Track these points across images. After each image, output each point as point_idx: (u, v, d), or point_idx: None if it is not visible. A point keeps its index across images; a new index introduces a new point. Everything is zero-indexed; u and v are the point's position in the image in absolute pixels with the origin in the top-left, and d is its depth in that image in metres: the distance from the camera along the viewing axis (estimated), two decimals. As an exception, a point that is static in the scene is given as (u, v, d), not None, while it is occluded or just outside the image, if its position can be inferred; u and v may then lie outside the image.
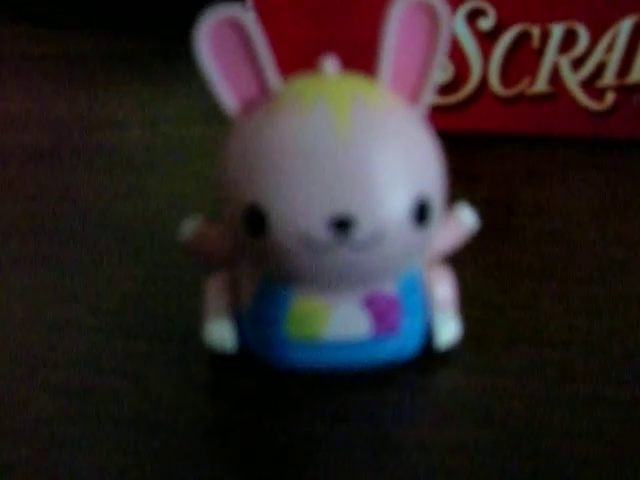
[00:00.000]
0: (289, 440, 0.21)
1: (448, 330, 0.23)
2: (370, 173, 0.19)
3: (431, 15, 0.21)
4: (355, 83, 0.21)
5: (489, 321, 0.23)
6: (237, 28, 0.20)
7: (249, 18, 0.20)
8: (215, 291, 0.23)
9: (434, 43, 0.21)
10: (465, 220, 0.24)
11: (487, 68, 0.33)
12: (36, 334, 0.24)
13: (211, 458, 0.20)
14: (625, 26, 0.32)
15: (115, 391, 0.22)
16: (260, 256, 0.20)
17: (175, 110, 0.37)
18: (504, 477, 0.19)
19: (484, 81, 0.33)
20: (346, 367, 0.22)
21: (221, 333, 0.23)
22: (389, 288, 0.21)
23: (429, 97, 0.21)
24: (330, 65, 0.21)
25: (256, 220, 0.20)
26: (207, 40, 0.20)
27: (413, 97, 0.21)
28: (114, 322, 0.24)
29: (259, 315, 0.22)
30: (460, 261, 0.23)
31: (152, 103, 0.38)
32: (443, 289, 0.23)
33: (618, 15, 0.32)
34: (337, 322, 0.21)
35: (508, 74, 0.33)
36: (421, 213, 0.20)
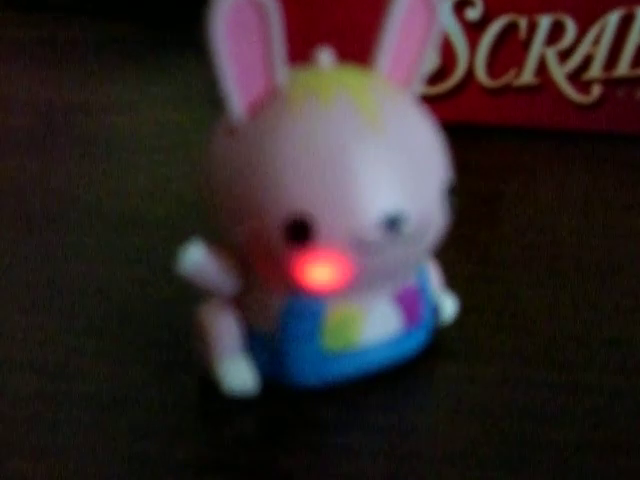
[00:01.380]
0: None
1: (450, 305, 0.23)
2: (409, 166, 0.19)
3: (428, 6, 0.20)
4: (362, 75, 0.20)
5: (472, 309, 0.23)
6: (257, 10, 0.18)
7: (270, 2, 0.18)
8: (219, 326, 0.21)
9: (428, 34, 0.21)
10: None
11: (473, 59, 0.33)
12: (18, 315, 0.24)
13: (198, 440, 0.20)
14: (612, 19, 0.33)
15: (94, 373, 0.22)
16: (301, 268, 0.19)
17: (161, 95, 0.37)
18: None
19: (470, 72, 0.33)
20: (379, 367, 0.21)
21: (241, 377, 0.20)
22: (412, 280, 0.21)
23: (418, 85, 0.21)
24: (326, 57, 0.20)
25: (301, 229, 0.18)
26: (225, 19, 0.18)
27: (404, 86, 0.21)
28: (92, 309, 0.24)
29: (289, 334, 0.20)
30: (445, 250, 0.22)
31: (138, 88, 0.37)
32: (437, 272, 0.23)
33: (606, 8, 0.32)
34: (373, 324, 0.21)
35: (495, 65, 0.33)
36: (450, 199, 0.20)
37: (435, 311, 0.23)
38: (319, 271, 0.19)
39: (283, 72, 0.19)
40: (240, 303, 0.21)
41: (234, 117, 0.19)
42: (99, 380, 0.22)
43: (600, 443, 0.20)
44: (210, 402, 0.21)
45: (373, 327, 0.21)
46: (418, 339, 0.22)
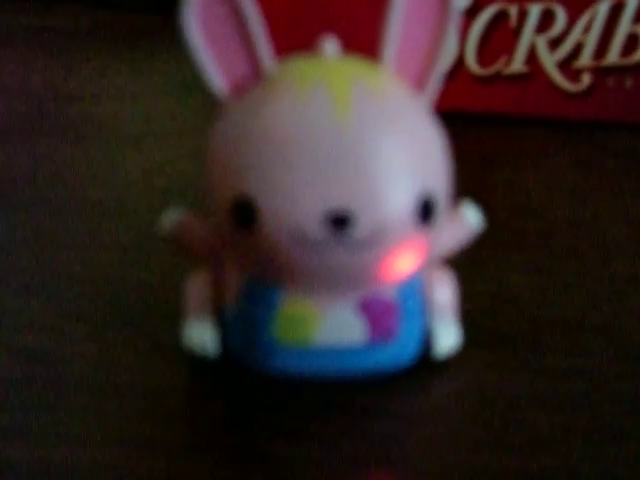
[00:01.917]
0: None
1: (448, 337, 0.21)
2: (371, 166, 0.18)
3: None
4: (357, 67, 0.19)
5: (464, 293, 0.23)
6: (229, 1, 0.19)
7: None
8: (196, 290, 0.21)
9: (442, 26, 0.20)
10: (470, 220, 0.22)
11: (464, 47, 0.33)
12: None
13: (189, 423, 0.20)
14: (603, 8, 0.33)
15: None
16: (248, 252, 0.19)
17: (150, 83, 0.37)
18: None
19: (461, 60, 0.33)
20: (338, 374, 0.21)
21: (202, 336, 0.21)
22: (387, 292, 0.20)
23: (436, 84, 0.20)
24: (330, 46, 0.20)
25: (245, 213, 0.18)
26: (196, 14, 0.19)
27: (419, 83, 0.20)
28: (86, 295, 0.24)
29: (245, 317, 0.20)
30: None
31: (129, 76, 0.37)
32: (444, 293, 0.21)
33: (596, -4, 0.33)
34: (329, 326, 0.20)
35: (485, 53, 0.33)
36: (425, 210, 0.18)
37: (426, 336, 0.21)
38: (263, 258, 0.19)
39: (268, 58, 0.19)
40: (218, 277, 0.21)
41: (219, 98, 0.19)
42: (89, 364, 0.22)
43: (588, 427, 0.20)
44: (199, 384, 0.21)
45: (330, 330, 0.20)
46: (388, 354, 0.21)
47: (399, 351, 0.21)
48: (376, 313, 0.20)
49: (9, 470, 0.19)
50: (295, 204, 0.18)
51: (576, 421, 0.20)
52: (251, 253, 0.19)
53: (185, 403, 0.21)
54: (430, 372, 0.21)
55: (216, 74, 0.19)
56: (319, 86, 0.19)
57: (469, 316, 0.22)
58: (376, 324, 0.20)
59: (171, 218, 0.21)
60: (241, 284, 0.20)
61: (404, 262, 0.19)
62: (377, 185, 0.18)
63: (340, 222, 0.18)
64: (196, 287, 0.21)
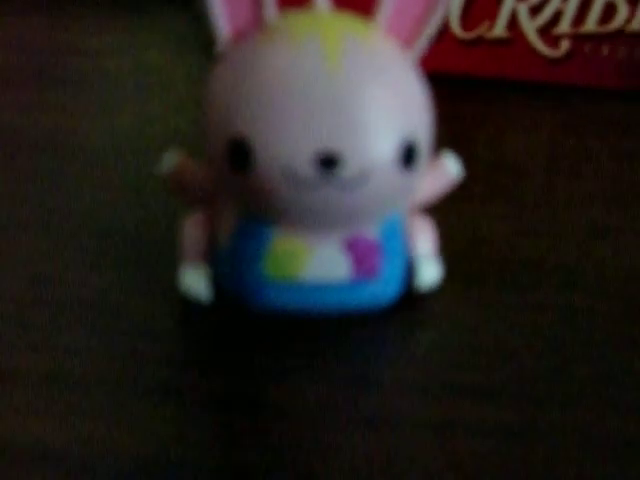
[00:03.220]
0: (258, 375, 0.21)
1: (429, 270, 0.23)
2: (358, 111, 0.19)
3: None
4: (349, 22, 0.20)
5: (441, 237, 0.25)
6: None
7: None
8: (191, 234, 0.22)
9: None
10: (450, 169, 0.23)
11: (448, 11, 0.34)
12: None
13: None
14: (582, -24, 0.34)
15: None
16: (242, 191, 0.20)
17: (147, 39, 0.37)
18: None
19: (445, 23, 0.34)
20: (325, 310, 0.22)
21: (196, 283, 0.22)
22: (370, 232, 0.21)
23: (424, 43, 0.21)
24: (322, 1, 0.21)
25: (239, 153, 0.19)
26: None
27: (408, 42, 0.21)
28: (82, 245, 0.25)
29: (237, 253, 0.21)
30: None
31: (126, 31, 0.38)
32: (424, 235, 0.23)
33: (576, -35, 0.34)
34: (317, 263, 0.21)
35: (468, 18, 0.34)
36: (408, 155, 0.20)
37: (409, 272, 0.23)
38: (256, 196, 0.20)
39: (271, 8, 0.20)
40: (211, 219, 0.22)
41: (220, 43, 0.20)
42: (94, 289, 0.23)
43: (554, 356, 0.21)
44: (189, 307, 0.23)
45: (317, 267, 0.21)
46: (371, 291, 0.22)
47: (382, 289, 0.22)
48: (360, 251, 0.21)
49: (20, 378, 0.20)
50: (287, 144, 0.19)
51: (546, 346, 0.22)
52: (245, 191, 0.20)
53: (176, 324, 0.22)
54: (409, 306, 0.23)
55: (221, 20, 0.20)
56: (313, 37, 0.20)
57: (446, 257, 0.24)
58: (360, 262, 0.21)
59: (169, 159, 0.22)
60: (234, 222, 0.21)
61: (388, 203, 0.21)
62: (364, 129, 0.19)
63: (329, 162, 0.19)
64: (191, 231, 0.22)
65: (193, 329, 0.22)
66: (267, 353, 0.21)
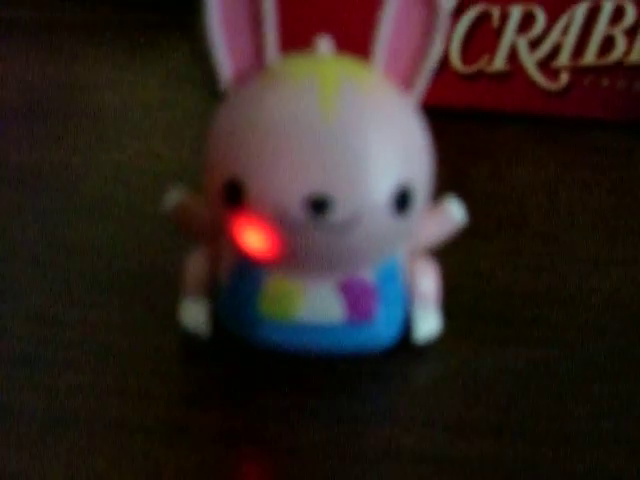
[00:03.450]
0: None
1: (427, 324, 0.23)
2: (350, 156, 0.19)
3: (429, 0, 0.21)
4: (348, 64, 0.21)
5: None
6: None
7: None
8: (193, 269, 0.22)
9: (430, 29, 0.21)
10: (454, 214, 0.23)
11: (449, 45, 0.35)
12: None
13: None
14: (580, 10, 0.34)
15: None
16: (237, 231, 0.20)
17: (146, 74, 0.38)
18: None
19: (445, 57, 0.35)
20: (319, 351, 0.22)
21: (196, 317, 0.22)
22: (366, 275, 0.21)
23: (423, 84, 0.21)
24: (324, 44, 0.21)
25: (234, 193, 0.19)
26: (217, 3, 0.20)
27: (407, 83, 0.21)
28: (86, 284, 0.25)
29: (234, 291, 0.22)
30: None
31: (129, 68, 0.39)
32: (426, 282, 0.22)
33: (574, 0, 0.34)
34: (310, 304, 0.21)
35: (468, 52, 0.35)
36: (402, 201, 0.20)
37: (407, 320, 0.22)
38: (250, 237, 0.20)
39: (274, 50, 0.21)
40: (214, 256, 0.22)
41: (222, 84, 0.21)
42: (95, 326, 0.23)
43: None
44: (191, 343, 0.23)
45: (311, 308, 0.21)
46: (366, 335, 0.22)
47: (377, 333, 0.22)
48: (354, 294, 0.21)
49: (22, 416, 0.20)
50: (279, 187, 0.19)
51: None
52: (239, 232, 0.20)
53: (176, 367, 0.22)
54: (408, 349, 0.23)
55: (225, 62, 0.21)
56: (310, 81, 0.20)
57: (446, 291, 0.24)
58: (353, 304, 0.21)
59: (172, 198, 0.22)
60: (233, 261, 0.21)
61: (381, 246, 0.21)
62: (355, 174, 0.19)
63: (319, 206, 0.19)
64: (193, 266, 0.22)
65: (195, 366, 0.22)
66: (268, 390, 0.22)
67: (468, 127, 0.35)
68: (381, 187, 0.19)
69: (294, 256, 0.20)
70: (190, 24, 0.42)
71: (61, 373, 0.22)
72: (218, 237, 0.22)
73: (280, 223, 0.19)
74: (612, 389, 0.22)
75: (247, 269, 0.21)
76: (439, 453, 0.20)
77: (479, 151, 0.34)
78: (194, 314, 0.22)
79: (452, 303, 0.23)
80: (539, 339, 0.23)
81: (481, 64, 0.35)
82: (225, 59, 0.21)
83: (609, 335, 0.23)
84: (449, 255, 0.24)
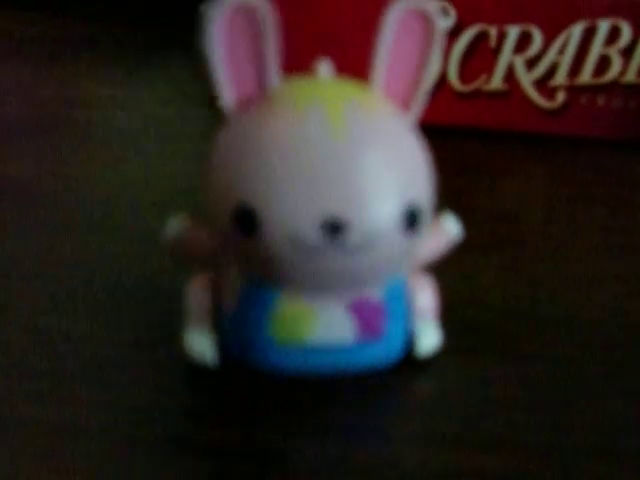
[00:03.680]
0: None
1: (429, 338, 0.23)
2: (363, 178, 0.19)
3: (426, 22, 0.21)
4: (350, 88, 0.21)
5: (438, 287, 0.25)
6: (251, 17, 0.20)
7: (265, 8, 0.20)
8: (195, 297, 0.22)
9: (427, 50, 0.21)
10: (450, 229, 0.23)
11: (447, 64, 0.35)
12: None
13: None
14: (576, 30, 0.34)
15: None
16: (248, 257, 0.20)
17: (149, 91, 0.38)
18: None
19: (443, 76, 0.35)
20: (330, 371, 0.22)
21: (201, 347, 0.22)
22: (375, 294, 0.21)
23: (421, 104, 0.22)
24: (324, 68, 0.21)
25: (246, 220, 0.19)
26: (219, 29, 0.20)
27: (405, 104, 0.21)
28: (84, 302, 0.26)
29: (243, 318, 0.21)
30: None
31: (131, 85, 0.39)
32: (425, 297, 0.23)
33: (570, 19, 0.34)
34: (322, 326, 0.21)
35: (466, 71, 0.35)
36: (411, 219, 0.20)
37: (410, 336, 0.23)
38: (262, 262, 0.20)
39: (275, 76, 0.21)
40: (216, 282, 0.22)
41: (225, 110, 0.21)
42: (98, 342, 0.24)
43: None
44: (195, 384, 0.23)
45: (323, 329, 0.21)
46: (376, 353, 0.22)
47: (385, 350, 0.22)
48: (364, 313, 0.21)
49: (24, 428, 0.21)
50: (293, 211, 0.19)
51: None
52: (251, 257, 0.20)
53: (179, 382, 0.23)
54: (410, 365, 0.23)
55: (227, 88, 0.21)
56: (316, 105, 0.20)
57: (444, 307, 0.24)
58: (364, 324, 0.22)
59: (173, 227, 0.22)
60: (239, 286, 0.21)
61: (392, 266, 0.21)
62: (369, 195, 0.19)
63: (335, 229, 0.19)
64: (196, 294, 0.22)
65: (198, 382, 0.23)
66: (270, 407, 0.22)
67: (466, 145, 0.35)
68: (392, 207, 0.20)
69: (308, 279, 0.20)
70: (191, 42, 0.43)
71: (62, 385, 0.22)
72: (222, 262, 0.22)
73: (295, 247, 0.19)
74: (611, 403, 0.22)
75: (256, 294, 0.21)
76: (440, 466, 0.20)
77: (477, 168, 0.34)
78: (200, 345, 0.22)
79: (450, 319, 0.24)
80: (537, 355, 0.24)
81: (479, 83, 0.35)
82: (227, 86, 0.21)
83: (606, 350, 0.24)
84: (447, 270, 0.24)
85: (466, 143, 0.35)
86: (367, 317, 0.21)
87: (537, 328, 0.25)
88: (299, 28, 0.34)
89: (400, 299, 0.22)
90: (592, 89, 0.35)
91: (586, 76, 0.35)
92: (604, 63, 0.35)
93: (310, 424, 0.21)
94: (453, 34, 0.35)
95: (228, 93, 0.21)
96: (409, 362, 0.23)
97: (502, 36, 0.35)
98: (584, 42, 0.35)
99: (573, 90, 0.35)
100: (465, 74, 0.35)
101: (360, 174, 0.19)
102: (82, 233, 0.28)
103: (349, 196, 0.19)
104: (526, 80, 0.35)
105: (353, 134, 0.20)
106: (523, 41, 0.35)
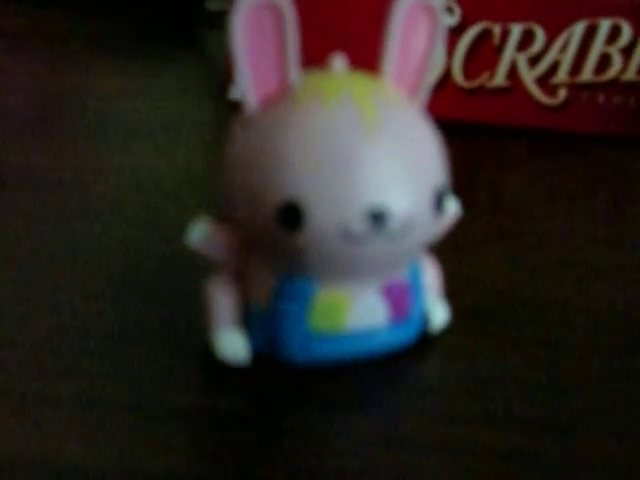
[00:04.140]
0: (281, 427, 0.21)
1: (440, 315, 0.24)
2: (399, 164, 0.20)
3: (431, 15, 0.22)
4: (367, 80, 0.21)
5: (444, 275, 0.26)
6: (274, 13, 0.20)
7: (287, 4, 0.20)
8: (220, 298, 0.22)
9: (432, 42, 0.22)
10: (449, 209, 0.23)
11: (451, 61, 0.36)
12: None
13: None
14: (578, 29, 0.35)
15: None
16: (290, 252, 0.20)
17: (155, 85, 0.39)
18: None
19: (448, 73, 0.36)
20: (365, 355, 0.22)
21: (234, 346, 0.22)
22: (402, 275, 0.22)
23: (426, 94, 0.22)
24: (339, 63, 0.22)
25: (292, 215, 0.20)
26: (243, 25, 0.20)
27: (412, 93, 0.22)
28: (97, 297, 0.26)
29: (279, 313, 0.22)
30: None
31: (143, 78, 0.39)
32: (432, 275, 0.24)
33: (572, 18, 0.35)
34: (358, 312, 0.22)
35: (470, 68, 0.36)
36: (439, 202, 0.21)
37: (424, 314, 0.23)
38: (307, 255, 0.20)
39: (296, 71, 0.21)
40: (241, 279, 0.22)
41: (248, 109, 0.21)
42: (120, 320, 0.24)
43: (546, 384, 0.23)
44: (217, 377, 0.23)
45: (359, 315, 0.22)
46: (404, 334, 0.23)
47: (413, 329, 0.23)
48: (395, 296, 0.22)
49: (50, 402, 0.21)
50: (341, 205, 0.20)
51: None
52: (293, 252, 0.20)
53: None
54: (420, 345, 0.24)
55: (249, 84, 0.21)
56: (346, 98, 0.20)
57: (449, 294, 0.25)
58: (396, 306, 0.22)
59: (198, 231, 0.22)
60: (272, 283, 0.22)
61: (421, 248, 0.22)
62: (406, 182, 0.20)
63: (379, 217, 0.20)
64: (221, 296, 0.22)
65: (218, 382, 0.23)
66: (286, 385, 0.22)
67: (469, 140, 0.36)
68: (425, 192, 0.21)
69: (350, 267, 0.21)
70: (199, 37, 0.43)
71: (85, 361, 0.23)
72: (248, 261, 0.22)
73: (342, 238, 0.20)
74: (608, 385, 0.23)
75: (293, 288, 0.21)
76: (448, 441, 0.21)
77: (479, 162, 0.35)
78: (232, 344, 0.22)
79: (455, 304, 0.25)
80: (537, 339, 0.24)
81: (482, 80, 0.36)
82: (249, 82, 0.21)
83: (606, 336, 0.25)
84: (450, 259, 0.25)
85: (470, 139, 0.36)
86: (397, 299, 0.22)
87: (536, 315, 0.25)
88: (307, 23, 0.35)
89: (420, 278, 0.23)
90: (593, 86, 0.36)
91: (587, 74, 0.36)
92: (605, 61, 0.36)
93: (321, 400, 0.22)
94: (457, 31, 0.35)
95: (250, 89, 0.21)
96: (419, 343, 0.24)
97: (505, 34, 0.35)
98: (585, 41, 0.35)
99: (574, 87, 0.36)
100: (469, 71, 0.36)
101: (396, 161, 0.20)
102: (93, 220, 0.29)
103: (389, 185, 0.20)
104: (528, 77, 0.36)
105: (385, 124, 0.20)
106: (526, 39, 0.35)
